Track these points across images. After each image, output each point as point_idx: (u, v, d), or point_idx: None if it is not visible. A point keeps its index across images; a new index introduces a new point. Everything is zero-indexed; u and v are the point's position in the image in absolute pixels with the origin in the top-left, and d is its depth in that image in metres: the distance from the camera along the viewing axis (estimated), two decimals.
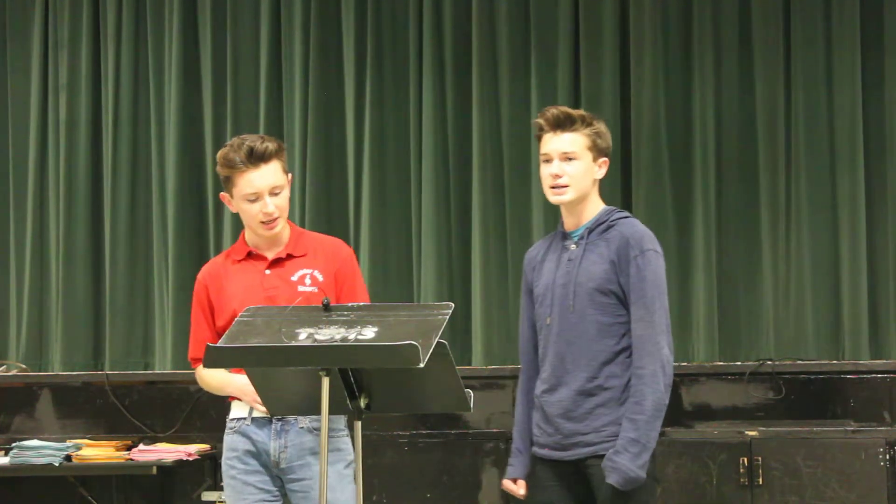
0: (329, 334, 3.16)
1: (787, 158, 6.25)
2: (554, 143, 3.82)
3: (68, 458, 5.65)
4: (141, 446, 5.76)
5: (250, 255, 3.99)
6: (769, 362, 5.85)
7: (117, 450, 5.74)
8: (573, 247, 3.83)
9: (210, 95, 6.58)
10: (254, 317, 3.33)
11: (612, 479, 3.63)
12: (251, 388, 3.76)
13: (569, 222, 3.88)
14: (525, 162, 6.38)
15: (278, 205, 3.90)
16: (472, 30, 6.42)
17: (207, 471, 5.79)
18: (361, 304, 3.53)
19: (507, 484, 3.97)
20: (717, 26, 6.32)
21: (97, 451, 5.70)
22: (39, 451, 5.64)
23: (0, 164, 6.74)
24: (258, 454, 3.89)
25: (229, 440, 3.95)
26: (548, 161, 3.82)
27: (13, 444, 5.74)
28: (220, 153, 3.95)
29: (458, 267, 6.43)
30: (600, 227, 3.82)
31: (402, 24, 6.51)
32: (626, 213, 3.88)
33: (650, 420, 3.66)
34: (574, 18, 6.39)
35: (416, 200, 6.43)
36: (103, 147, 6.66)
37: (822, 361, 5.97)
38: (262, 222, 3.90)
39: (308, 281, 3.91)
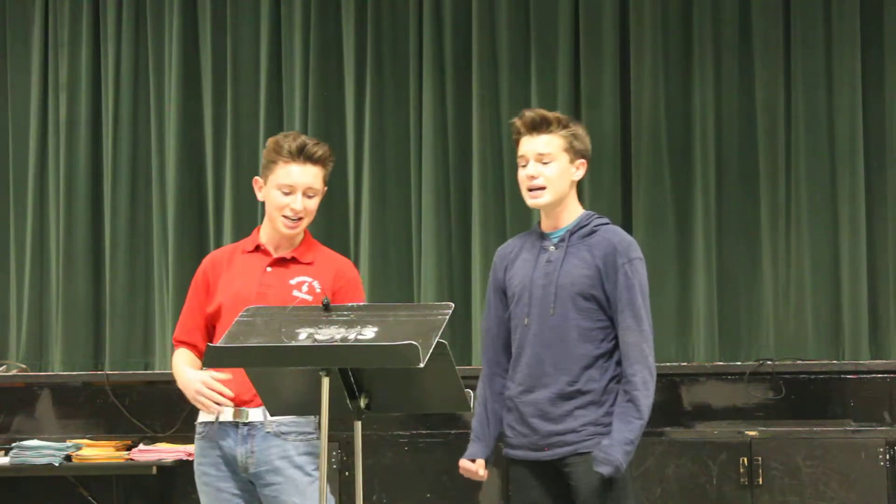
0: (329, 334, 3.16)
1: (787, 158, 6.26)
2: (530, 144, 3.87)
3: (68, 458, 5.64)
4: (141, 446, 5.76)
5: (258, 249, 3.97)
6: (769, 362, 5.85)
7: (117, 450, 5.73)
8: (552, 248, 3.83)
9: (210, 95, 6.58)
10: (254, 317, 3.33)
11: (604, 470, 3.65)
12: (194, 385, 3.75)
13: (546, 224, 3.89)
14: None
15: (307, 206, 3.90)
16: (472, 30, 6.42)
17: None
18: (361, 304, 3.53)
19: (465, 464, 3.95)
20: (717, 26, 6.33)
21: (97, 451, 5.70)
22: (39, 451, 5.64)
23: (0, 164, 6.74)
24: (227, 460, 3.86)
25: (199, 445, 3.91)
26: (525, 163, 3.86)
27: (13, 444, 5.73)
28: (271, 138, 3.97)
29: (458, 267, 6.43)
30: (582, 230, 3.83)
31: (402, 24, 6.52)
32: (607, 219, 3.90)
33: (644, 425, 3.73)
34: (574, 18, 6.40)
35: (416, 200, 6.43)
36: (103, 147, 6.66)
37: (822, 361, 5.97)
38: (285, 217, 3.88)
39: (305, 289, 3.89)
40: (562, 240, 3.83)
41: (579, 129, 3.89)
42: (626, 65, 6.37)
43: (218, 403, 3.76)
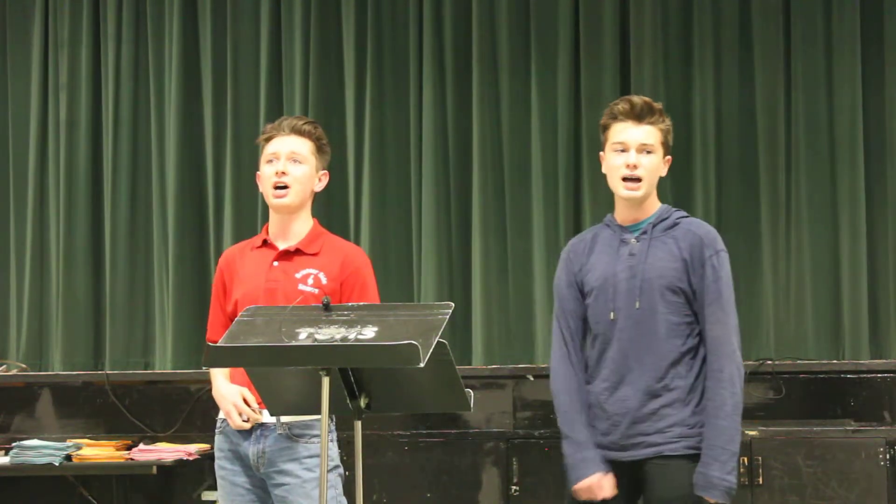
0: (329, 334, 3.15)
1: (787, 158, 6.26)
2: (634, 133, 3.72)
3: (68, 457, 5.64)
4: (141, 446, 5.76)
5: (265, 244, 3.97)
6: (769, 362, 5.85)
7: (117, 449, 5.73)
8: (634, 241, 3.73)
9: (210, 95, 6.58)
10: (254, 317, 3.33)
11: (713, 496, 3.59)
12: (227, 402, 3.85)
13: (625, 216, 3.79)
14: (525, 162, 6.38)
15: (292, 171, 3.89)
16: (472, 30, 6.42)
17: (207, 471, 5.78)
18: (361, 303, 3.52)
19: (587, 485, 3.71)
20: (717, 26, 6.33)
21: (97, 451, 5.69)
22: (39, 450, 5.63)
23: (0, 164, 6.74)
24: (240, 457, 3.89)
25: (217, 440, 3.97)
26: (624, 150, 3.73)
27: (13, 444, 5.73)
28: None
29: (458, 267, 6.42)
30: (664, 222, 3.75)
31: (402, 24, 6.51)
32: (685, 213, 3.83)
33: (735, 425, 3.62)
34: (574, 18, 6.39)
35: (416, 200, 6.43)
36: (103, 147, 6.66)
37: (822, 361, 5.97)
38: (274, 187, 3.88)
39: (311, 281, 3.87)
40: (644, 232, 3.74)
41: (671, 125, 3.81)
42: (626, 65, 6.37)
43: (246, 421, 3.84)
